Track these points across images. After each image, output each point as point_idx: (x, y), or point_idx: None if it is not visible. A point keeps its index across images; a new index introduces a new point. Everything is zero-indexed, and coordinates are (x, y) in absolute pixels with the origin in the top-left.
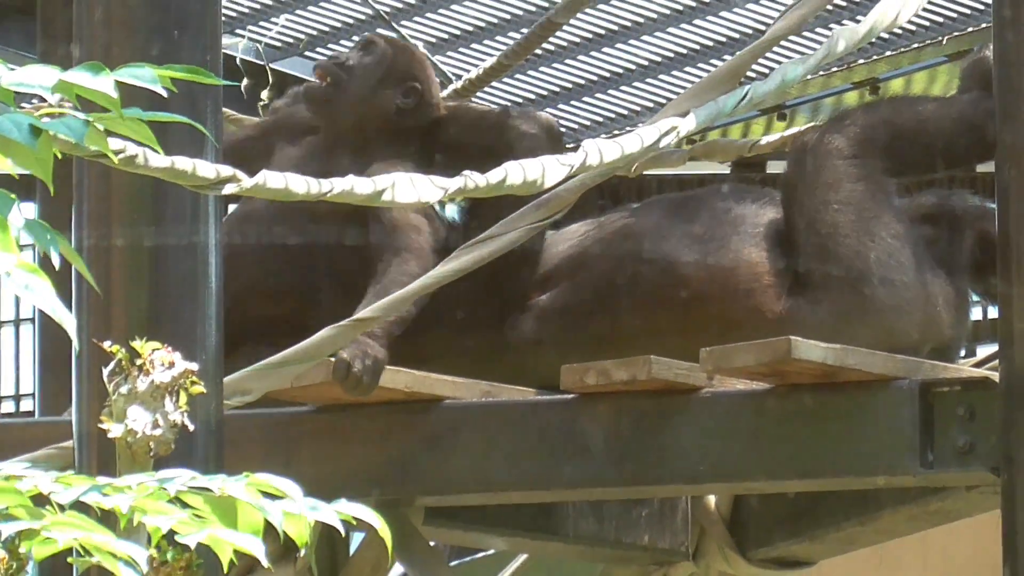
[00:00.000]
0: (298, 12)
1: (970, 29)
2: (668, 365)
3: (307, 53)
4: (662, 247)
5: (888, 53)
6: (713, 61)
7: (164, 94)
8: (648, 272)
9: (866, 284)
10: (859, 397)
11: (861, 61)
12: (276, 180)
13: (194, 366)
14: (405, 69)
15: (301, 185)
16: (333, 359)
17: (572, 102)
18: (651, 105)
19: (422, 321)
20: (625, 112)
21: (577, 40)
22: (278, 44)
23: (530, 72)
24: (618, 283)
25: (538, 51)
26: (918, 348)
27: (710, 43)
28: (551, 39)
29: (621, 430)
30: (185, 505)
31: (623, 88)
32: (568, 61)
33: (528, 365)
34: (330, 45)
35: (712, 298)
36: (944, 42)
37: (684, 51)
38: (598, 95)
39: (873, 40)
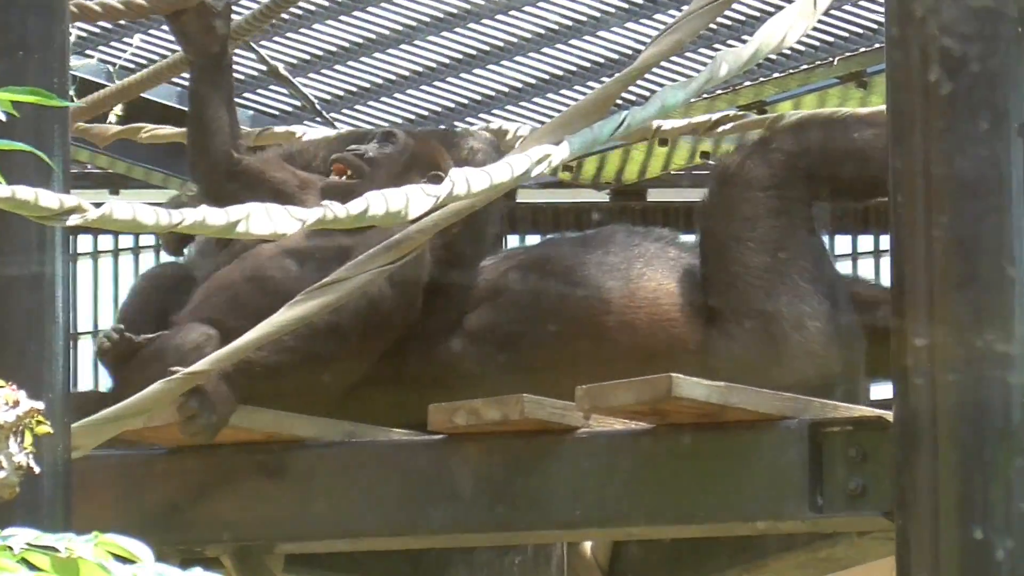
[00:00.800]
0: (152, 32)
1: (862, 50)
2: (541, 404)
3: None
4: (576, 279)
5: (775, 75)
6: (584, 85)
7: (3, 118)
8: (562, 304)
9: (775, 326)
10: (744, 437)
11: (747, 83)
12: (123, 211)
13: (40, 405)
14: (429, 159)
15: (149, 216)
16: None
17: (440, 125)
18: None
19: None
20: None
21: (446, 61)
22: (131, 66)
23: (399, 94)
24: (530, 315)
25: (410, 69)
26: (830, 389)
27: (583, 65)
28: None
29: (492, 472)
30: (31, 566)
31: (494, 111)
32: (436, 83)
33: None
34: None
35: (629, 330)
36: (835, 63)
37: (556, 73)
38: (468, 118)
39: (760, 62)
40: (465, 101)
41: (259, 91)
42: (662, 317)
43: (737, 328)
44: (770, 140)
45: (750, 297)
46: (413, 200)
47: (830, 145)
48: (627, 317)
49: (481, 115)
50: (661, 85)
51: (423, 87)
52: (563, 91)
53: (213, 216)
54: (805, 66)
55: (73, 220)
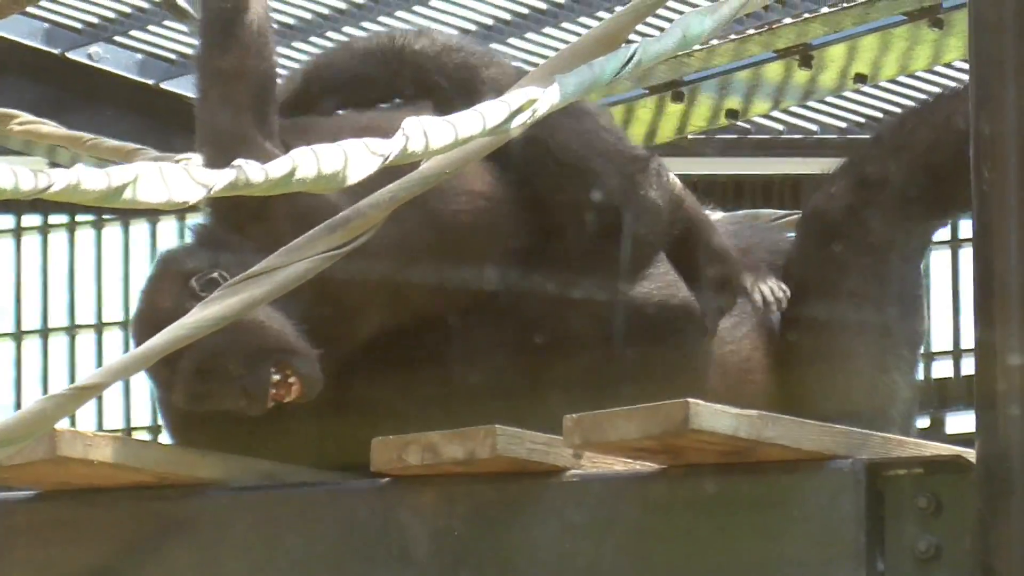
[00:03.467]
0: None
1: None
2: (519, 438)
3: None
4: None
5: (824, 9)
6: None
7: None
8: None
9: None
10: (782, 482)
11: (788, 20)
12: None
13: None
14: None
15: (3, 176)
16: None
17: None
18: None
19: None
20: None
21: None
22: None
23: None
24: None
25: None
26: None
27: None
28: None
29: (454, 527)
30: None
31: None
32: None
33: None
34: None
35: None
36: None
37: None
38: None
39: None
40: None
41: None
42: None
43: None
44: (868, 164)
45: (836, 338)
46: (353, 159)
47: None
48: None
49: None
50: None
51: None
52: (563, 23)
53: (90, 179)
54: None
55: None
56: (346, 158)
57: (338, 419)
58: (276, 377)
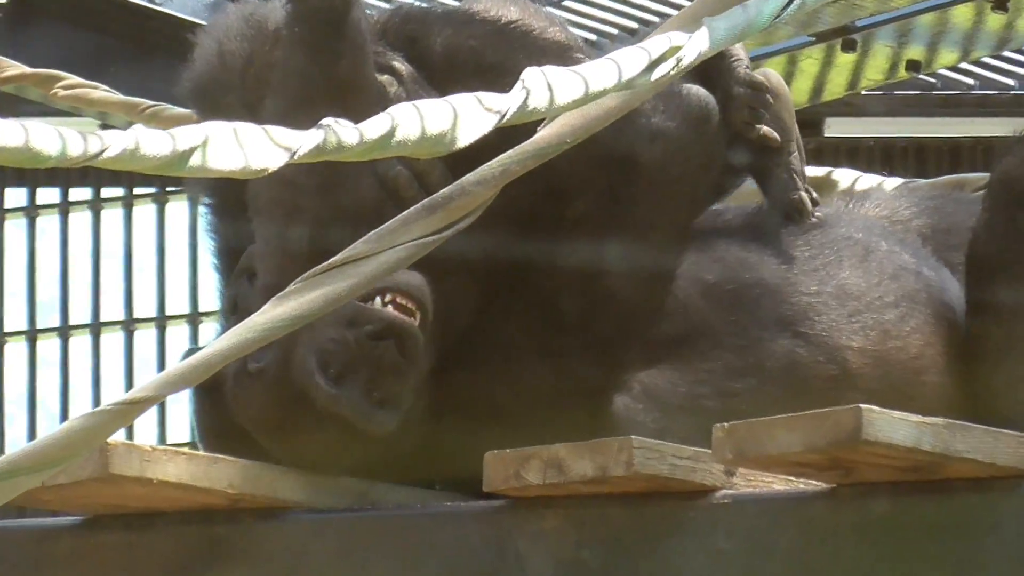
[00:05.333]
0: None
1: None
2: (659, 452)
3: None
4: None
5: None
6: None
7: None
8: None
9: None
10: (973, 504)
11: None
12: (10, 133)
13: None
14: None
15: (51, 141)
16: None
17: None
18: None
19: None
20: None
21: None
22: None
23: None
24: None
25: None
26: None
27: None
28: None
29: (583, 557)
30: None
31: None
32: None
33: None
34: None
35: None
36: None
37: None
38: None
39: None
40: None
41: None
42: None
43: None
44: None
45: None
46: (464, 116)
47: None
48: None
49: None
50: None
51: None
52: None
53: (151, 142)
54: None
55: None
56: (455, 115)
57: (439, 427)
58: (390, 307)
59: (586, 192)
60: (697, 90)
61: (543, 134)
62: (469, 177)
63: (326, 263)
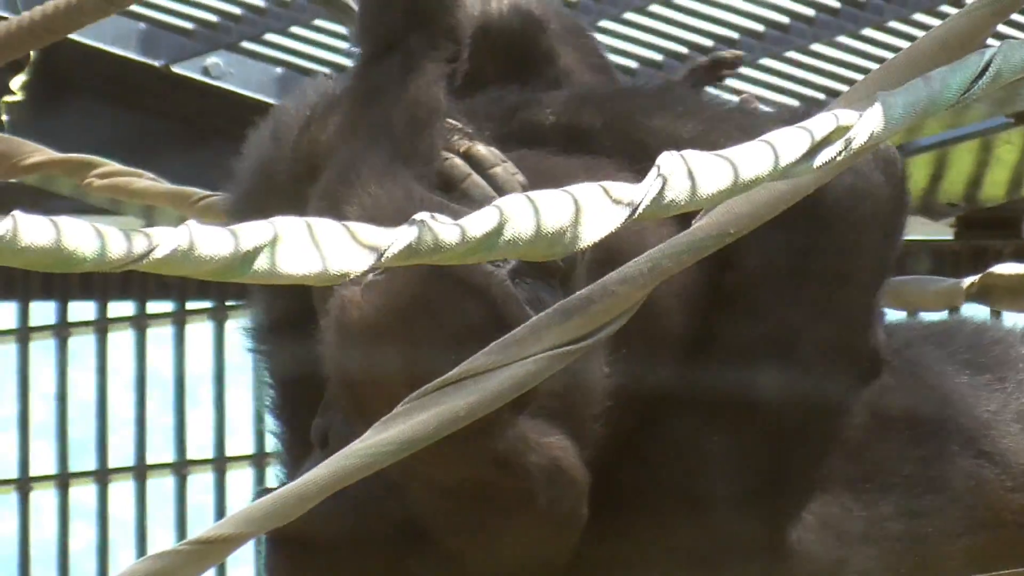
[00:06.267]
0: None
1: None
2: None
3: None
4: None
5: None
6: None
7: None
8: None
9: None
10: None
11: None
12: (38, 230)
13: None
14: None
15: (88, 241)
16: None
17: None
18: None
19: None
20: None
21: None
22: None
23: None
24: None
25: None
26: None
27: None
28: None
29: None
30: None
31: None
32: None
33: None
34: None
35: None
36: None
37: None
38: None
39: None
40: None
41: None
42: None
43: None
44: None
45: None
46: (588, 210)
47: None
48: None
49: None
50: None
51: None
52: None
53: (208, 242)
54: None
55: None
56: (577, 209)
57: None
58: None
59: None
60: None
61: (701, 224)
62: (613, 276)
63: (441, 378)
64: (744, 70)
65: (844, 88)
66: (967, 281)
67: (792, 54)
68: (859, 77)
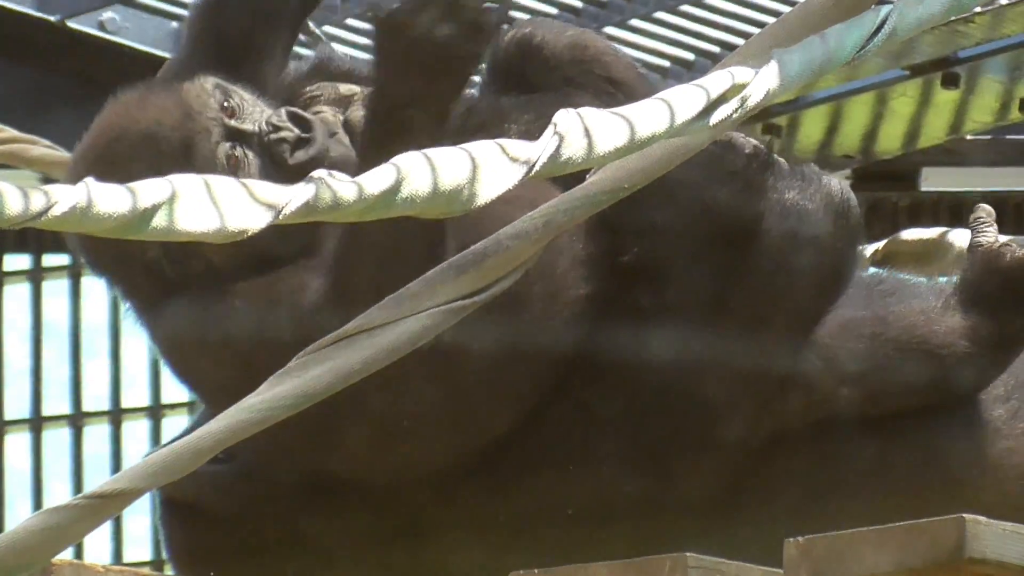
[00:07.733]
0: None
1: None
2: (720, 571)
3: None
4: None
5: None
6: None
7: None
8: None
9: None
10: None
11: None
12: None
13: None
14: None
15: (15, 201)
16: None
17: None
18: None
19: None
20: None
21: None
22: None
23: None
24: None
25: None
26: None
27: None
28: None
29: None
30: None
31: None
32: None
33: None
34: None
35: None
36: None
37: None
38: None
39: None
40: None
41: None
42: None
43: None
44: None
45: None
46: (485, 168)
47: None
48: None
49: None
50: None
51: None
52: None
53: (107, 199)
54: None
55: None
56: (474, 167)
57: (464, 538)
58: None
59: (689, 271)
60: (838, 182)
61: (595, 179)
62: (507, 230)
63: (335, 333)
64: (636, 22)
65: (739, 42)
66: (871, 248)
67: (686, 7)
68: (754, 31)
